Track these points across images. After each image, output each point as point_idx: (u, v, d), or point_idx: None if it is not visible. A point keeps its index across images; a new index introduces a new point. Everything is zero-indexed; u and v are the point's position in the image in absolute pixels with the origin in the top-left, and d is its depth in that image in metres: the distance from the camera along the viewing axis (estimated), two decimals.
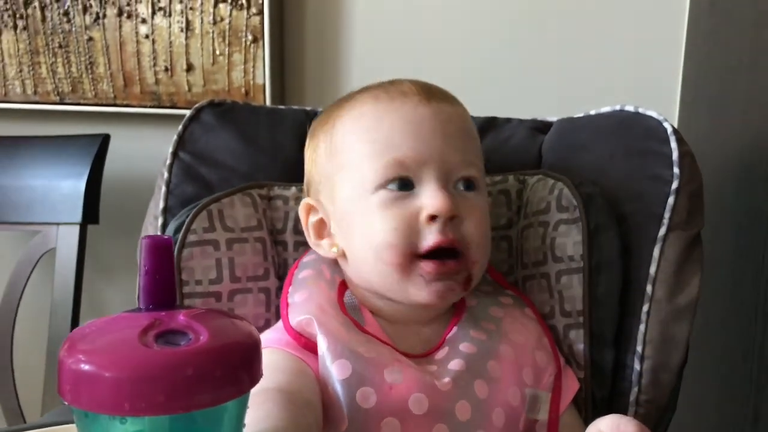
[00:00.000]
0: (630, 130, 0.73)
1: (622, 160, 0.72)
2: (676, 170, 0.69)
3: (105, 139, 1.04)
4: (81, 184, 1.02)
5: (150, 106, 1.12)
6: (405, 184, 0.60)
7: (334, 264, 0.67)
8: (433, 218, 0.59)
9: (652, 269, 0.67)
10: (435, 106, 0.62)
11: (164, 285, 0.37)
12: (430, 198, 0.59)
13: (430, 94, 0.63)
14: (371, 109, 0.62)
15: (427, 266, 0.60)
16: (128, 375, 0.34)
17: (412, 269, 0.60)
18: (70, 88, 1.13)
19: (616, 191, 0.70)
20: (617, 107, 0.77)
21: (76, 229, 1.02)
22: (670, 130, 0.71)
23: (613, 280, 0.67)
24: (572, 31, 1.08)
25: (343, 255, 0.64)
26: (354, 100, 0.65)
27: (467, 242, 0.61)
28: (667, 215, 0.67)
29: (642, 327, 0.66)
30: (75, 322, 1.03)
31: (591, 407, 0.66)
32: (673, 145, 0.70)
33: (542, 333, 0.66)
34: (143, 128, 1.14)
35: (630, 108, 0.76)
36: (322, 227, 0.66)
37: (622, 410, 0.66)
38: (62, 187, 1.03)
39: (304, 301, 0.62)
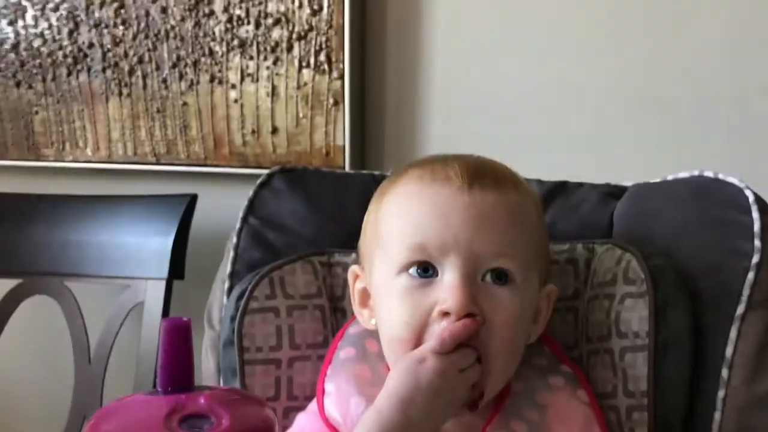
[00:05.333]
0: (707, 198, 0.69)
1: (698, 230, 0.68)
2: (757, 243, 0.64)
3: (192, 199, 1.10)
4: (169, 242, 1.08)
5: (237, 167, 1.18)
6: (427, 270, 0.59)
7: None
8: (445, 314, 0.57)
9: (729, 351, 0.62)
10: (476, 194, 0.59)
11: (183, 366, 0.38)
12: (446, 291, 0.57)
13: (475, 180, 0.60)
14: (413, 189, 0.62)
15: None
16: None
17: None
18: (166, 150, 1.20)
19: (690, 264, 0.66)
20: (696, 172, 0.73)
21: (163, 283, 1.08)
22: (752, 198, 0.66)
23: (682, 361, 0.63)
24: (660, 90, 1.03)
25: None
26: (405, 175, 0.64)
27: (486, 346, 0.57)
28: (746, 292, 0.63)
29: (717, 415, 0.61)
30: None
31: None
32: (755, 215, 0.65)
33: (593, 420, 0.62)
34: (231, 187, 1.20)
35: (710, 174, 0.71)
36: (365, 296, 0.66)
37: None
38: (152, 243, 1.09)
39: (340, 395, 0.61)
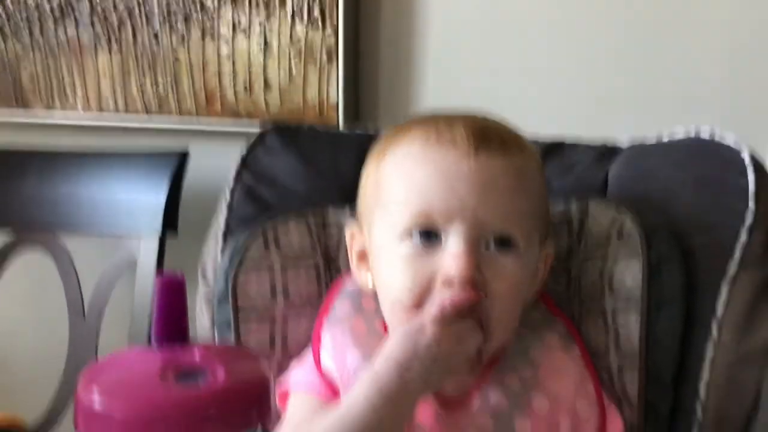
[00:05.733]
0: (703, 158, 0.69)
1: (692, 190, 0.68)
2: (751, 204, 0.64)
3: (184, 156, 1.09)
4: (161, 198, 1.07)
5: (229, 123, 1.16)
6: (430, 236, 0.58)
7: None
8: (449, 283, 0.56)
9: (719, 309, 0.62)
10: (482, 159, 0.58)
11: (177, 321, 0.38)
12: (449, 258, 0.56)
13: (481, 144, 0.58)
14: (417, 151, 0.60)
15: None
16: (154, 415, 0.35)
17: None
18: (157, 105, 1.18)
19: (684, 224, 0.66)
20: (692, 132, 0.72)
21: (156, 239, 1.07)
22: (748, 159, 0.66)
23: (674, 319, 0.63)
24: (660, 44, 1.02)
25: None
26: (408, 134, 0.62)
27: (488, 314, 0.57)
28: (738, 251, 0.63)
29: (705, 370, 0.62)
30: None
31: None
32: (751, 176, 0.65)
33: (587, 376, 0.63)
34: (223, 143, 1.19)
35: (706, 133, 0.71)
36: (363, 257, 0.65)
37: None
38: (144, 199, 1.08)
39: (336, 346, 0.62)
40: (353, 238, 0.66)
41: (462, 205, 0.57)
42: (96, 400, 0.36)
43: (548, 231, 0.66)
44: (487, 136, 0.59)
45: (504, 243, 0.58)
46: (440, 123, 0.61)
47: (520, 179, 0.60)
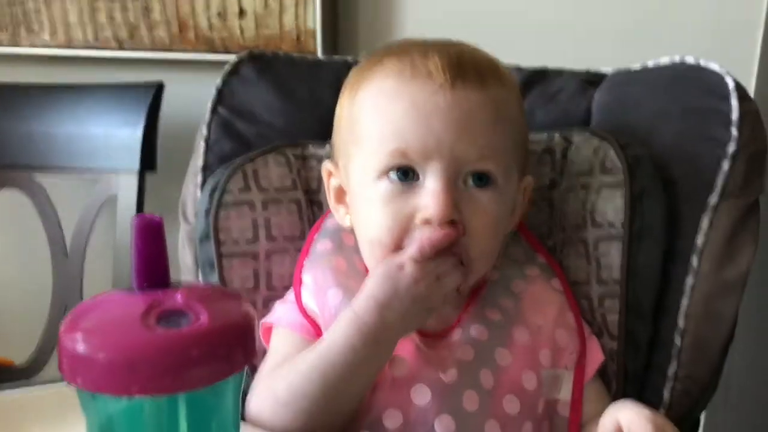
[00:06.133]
0: (687, 86, 0.68)
1: (676, 119, 0.67)
2: (734, 131, 0.63)
3: (159, 88, 1.06)
4: (138, 133, 1.04)
5: (204, 52, 1.13)
6: (407, 174, 0.57)
7: None
8: (427, 222, 0.56)
9: (700, 240, 0.63)
10: (458, 92, 0.56)
11: (158, 264, 0.38)
12: (429, 197, 0.56)
13: (457, 76, 0.57)
14: (392, 86, 0.58)
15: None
16: (136, 358, 0.35)
17: None
18: (128, 35, 1.14)
19: (667, 153, 0.66)
20: (677, 58, 0.71)
21: (135, 176, 1.06)
22: (731, 85, 0.65)
23: (655, 249, 0.64)
24: None
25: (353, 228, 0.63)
26: (381, 67, 0.60)
27: (467, 250, 0.57)
28: (720, 181, 0.63)
29: (685, 300, 0.63)
30: None
31: (623, 380, 0.64)
32: (734, 102, 0.64)
33: (567, 307, 0.64)
34: (198, 74, 1.15)
35: (690, 60, 0.70)
36: (341, 193, 0.65)
37: (657, 385, 0.64)
38: (120, 134, 1.06)
39: (317, 287, 0.62)
40: (330, 175, 0.65)
41: (438, 142, 0.56)
42: (78, 343, 0.36)
43: (527, 162, 0.65)
44: (464, 67, 0.58)
45: (482, 179, 0.57)
46: (414, 53, 0.59)
47: (498, 112, 0.59)
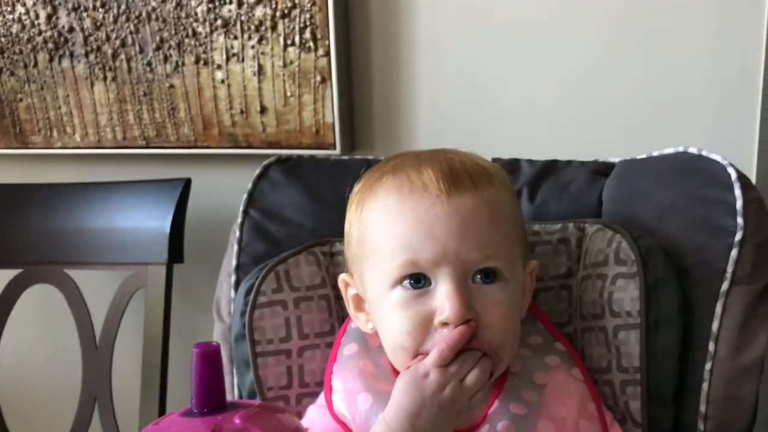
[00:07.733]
0: (692, 177, 0.72)
1: (683, 210, 0.70)
2: (740, 220, 0.67)
3: (187, 183, 1.11)
4: (166, 226, 1.09)
5: (228, 147, 1.18)
6: (419, 280, 0.61)
7: None
8: (445, 324, 0.59)
9: (714, 326, 0.65)
10: (455, 200, 0.60)
11: (216, 387, 0.41)
12: (443, 300, 0.59)
13: (452, 185, 0.61)
14: (393, 203, 0.62)
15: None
16: None
17: None
18: (155, 133, 1.20)
19: (677, 244, 0.69)
20: (680, 149, 0.75)
21: (163, 267, 1.09)
22: (734, 176, 0.69)
23: (673, 337, 0.66)
24: (643, 59, 1.04)
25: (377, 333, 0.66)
26: (381, 187, 0.64)
27: (488, 341, 0.60)
28: (729, 269, 0.66)
29: (705, 386, 0.65)
30: (165, 352, 1.10)
31: None
32: (738, 192, 0.68)
33: (588, 397, 0.66)
34: (223, 168, 1.21)
35: (693, 150, 0.74)
36: (359, 301, 0.68)
37: None
38: (149, 228, 1.10)
39: (346, 392, 0.64)
40: (347, 286, 0.69)
41: (444, 249, 0.60)
42: None
43: (527, 248, 0.69)
44: (456, 175, 0.62)
45: (489, 275, 0.61)
46: (409, 169, 0.63)
47: (494, 211, 0.63)
